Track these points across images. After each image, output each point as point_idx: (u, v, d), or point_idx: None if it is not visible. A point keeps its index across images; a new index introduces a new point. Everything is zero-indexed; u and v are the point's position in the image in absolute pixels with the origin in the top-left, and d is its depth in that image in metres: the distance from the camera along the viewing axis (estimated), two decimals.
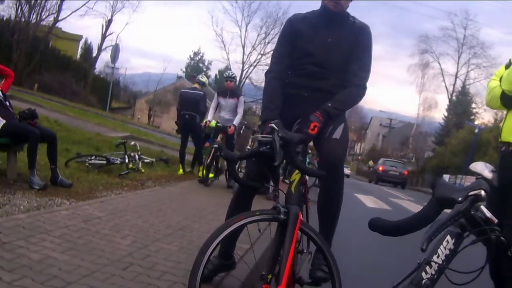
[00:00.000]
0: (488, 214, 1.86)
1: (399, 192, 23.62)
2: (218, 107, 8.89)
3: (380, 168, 31.48)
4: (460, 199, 1.84)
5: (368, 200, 14.27)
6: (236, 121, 8.61)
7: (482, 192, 1.83)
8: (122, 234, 3.90)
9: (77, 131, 11.44)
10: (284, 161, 2.41)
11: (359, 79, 2.92)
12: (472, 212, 1.84)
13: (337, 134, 2.85)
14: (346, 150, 3.03)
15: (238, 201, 3.06)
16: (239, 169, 8.05)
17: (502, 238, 1.87)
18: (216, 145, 8.22)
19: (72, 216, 4.15)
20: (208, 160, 8.44)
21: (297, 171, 2.43)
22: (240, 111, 8.77)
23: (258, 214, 2.33)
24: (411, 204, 15.22)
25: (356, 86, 2.91)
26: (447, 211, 1.90)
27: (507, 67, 2.74)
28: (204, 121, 9.03)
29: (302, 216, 3.03)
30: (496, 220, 1.88)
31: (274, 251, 2.30)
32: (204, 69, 60.05)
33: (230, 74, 9.22)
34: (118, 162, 7.69)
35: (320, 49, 2.92)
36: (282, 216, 2.28)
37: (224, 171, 9.09)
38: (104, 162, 7.45)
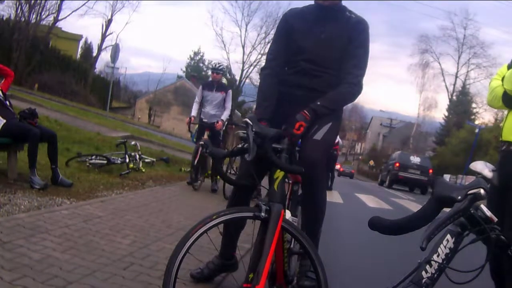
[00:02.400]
0: (488, 213, 1.86)
1: (400, 192, 23.63)
2: (202, 101, 8.08)
3: (341, 169, 47.39)
4: (459, 197, 1.84)
5: (369, 199, 14.26)
6: (224, 116, 7.92)
7: (481, 191, 1.83)
8: (122, 234, 3.90)
9: (78, 131, 11.46)
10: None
11: (352, 77, 2.80)
12: (471, 211, 1.84)
13: (319, 135, 2.74)
14: (327, 151, 2.88)
15: (234, 201, 2.97)
16: (232, 168, 7.78)
17: (502, 237, 1.87)
18: (202, 142, 7.26)
19: (72, 215, 4.15)
20: (196, 161, 7.62)
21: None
22: (229, 106, 8.06)
23: (234, 212, 2.27)
24: (412, 204, 15.21)
25: (349, 84, 2.79)
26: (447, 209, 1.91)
27: (509, 67, 2.73)
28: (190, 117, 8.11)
29: (298, 216, 3.02)
30: (496, 219, 1.88)
31: (256, 250, 2.22)
32: (204, 69, 60.02)
33: (218, 65, 8.21)
34: (119, 161, 7.70)
35: (313, 45, 2.84)
36: (263, 214, 2.20)
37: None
38: (105, 161, 7.46)
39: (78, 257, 3.10)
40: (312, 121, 2.68)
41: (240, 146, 2.44)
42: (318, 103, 2.70)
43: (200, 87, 8.26)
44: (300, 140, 2.72)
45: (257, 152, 2.24)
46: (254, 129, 2.25)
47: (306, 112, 2.66)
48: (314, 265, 2.33)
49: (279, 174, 2.35)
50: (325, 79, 2.84)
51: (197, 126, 8.32)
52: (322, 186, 2.85)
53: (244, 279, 2.20)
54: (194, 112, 8.01)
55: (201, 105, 8.08)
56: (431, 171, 24.70)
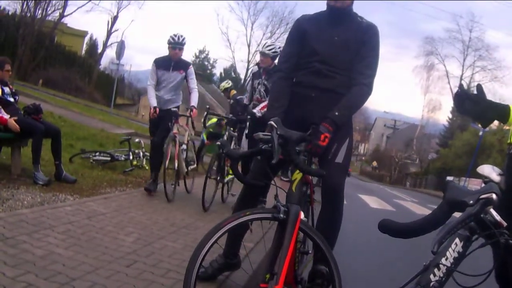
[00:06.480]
0: (498, 217, 1.84)
1: (402, 193, 23.60)
2: (156, 83, 6.35)
3: None
4: (471, 202, 1.82)
5: (371, 200, 14.24)
6: (194, 101, 6.28)
7: (494, 196, 1.81)
8: (126, 231, 3.90)
9: (82, 127, 11.45)
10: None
11: (364, 77, 2.88)
12: (481, 215, 1.82)
13: (340, 156, 2.84)
14: (348, 169, 3.03)
15: (243, 200, 3.04)
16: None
17: (511, 241, 1.85)
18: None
19: (76, 212, 4.14)
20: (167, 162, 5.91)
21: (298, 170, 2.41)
22: (194, 86, 6.41)
23: (249, 213, 2.29)
24: (414, 206, 15.20)
25: (361, 85, 2.87)
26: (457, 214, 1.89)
27: None
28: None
29: (307, 217, 3.02)
30: (505, 224, 1.86)
31: (273, 250, 2.27)
32: (209, 67, 60.04)
33: (181, 40, 6.25)
34: (122, 158, 7.69)
35: (327, 47, 2.90)
36: (282, 215, 2.25)
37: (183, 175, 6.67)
38: (108, 158, 7.45)
39: (81, 254, 3.10)
40: (335, 131, 2.74)
41: (259, 147, 2.45)
42: (336, 113, 2.76)
43: (153, 65, 6.35)
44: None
45: (282, 154, 2.28)
46: (278, 132, 2.29)
47: (328, 124, 2.72)
48: (329, 267, 2.39)
49: (298, 176, 2.38)
50: (338, 80, 2.89)
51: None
52: (342, 205, 2.93)
53: (261, 279, 2.22)
54: (154, 102, 6.17)
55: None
56: (350, 170, 45.45)
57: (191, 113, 6.21)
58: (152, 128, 6.46)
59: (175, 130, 6.01)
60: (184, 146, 6.58)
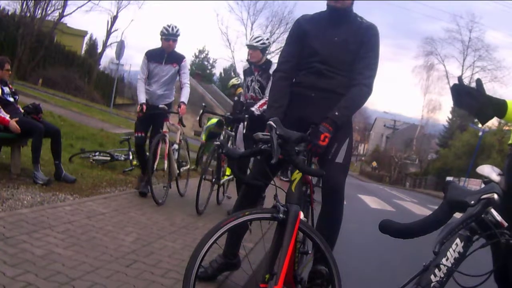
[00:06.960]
0: (499, 217, 1.84)
1: (402, 194, 23.60)
2: (148, 77, 5.92)
3: None
4: (472, 202, 1.82)
5: (371, 201, 14.24)
6: (184, 96, 5.88)
7: (495, 196, 1.81)
8: (126, 231, 3.89)
9: (81, 127, 11.45)
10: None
11: (363, 77, 2.88)
12: (482, 216, 1.82)
13: (341, 156, 2.84)
14: (348, 169, 3.02)
15: (243, 200, 3.04)
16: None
17: None
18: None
19: (75, 211, 4.14)
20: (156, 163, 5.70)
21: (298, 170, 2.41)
22: (186, 81, 5.95)
23: (248, 214, 2.29)
24: (414, 206, 15.20)
25: (360, 86, 2.86)
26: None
27: None
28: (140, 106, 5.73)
29: (307, 217, 3.02)
30: (506, 224, 1.85)
31: (273, 250, 2.27)
32: (209, 67, 60.06)
33: (175, 30, 5.83)
34: (122, 158, 7.68)
35: (327, 47, 2.90)
36: (281, 215, 2.25)
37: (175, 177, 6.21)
38: (108, 158, 7.45)
39: (81, 254, 3.09)
40: (335, 132, 2.74)
41: (258, 147, 2.44)
42: (336, 113, 2.76)
43: (145, 57, 5.93)
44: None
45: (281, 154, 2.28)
46: (278, 132, 2.29)
47: (328, 124, 2.72)
48: (329, 267, 2.39)
49: (297, 175, 2.37)
50: (338, 80, 2.89)
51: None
52: (342, 205, 2.93)
53: (261, 279, 2.22)
54: (143, 98, 5.75)
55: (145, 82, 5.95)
56: None
57: (179, 109, 5.80)
58: (138, 125, 5.95)
59: (165, 129, 5.72)
60: (176, 146, 6.26)
